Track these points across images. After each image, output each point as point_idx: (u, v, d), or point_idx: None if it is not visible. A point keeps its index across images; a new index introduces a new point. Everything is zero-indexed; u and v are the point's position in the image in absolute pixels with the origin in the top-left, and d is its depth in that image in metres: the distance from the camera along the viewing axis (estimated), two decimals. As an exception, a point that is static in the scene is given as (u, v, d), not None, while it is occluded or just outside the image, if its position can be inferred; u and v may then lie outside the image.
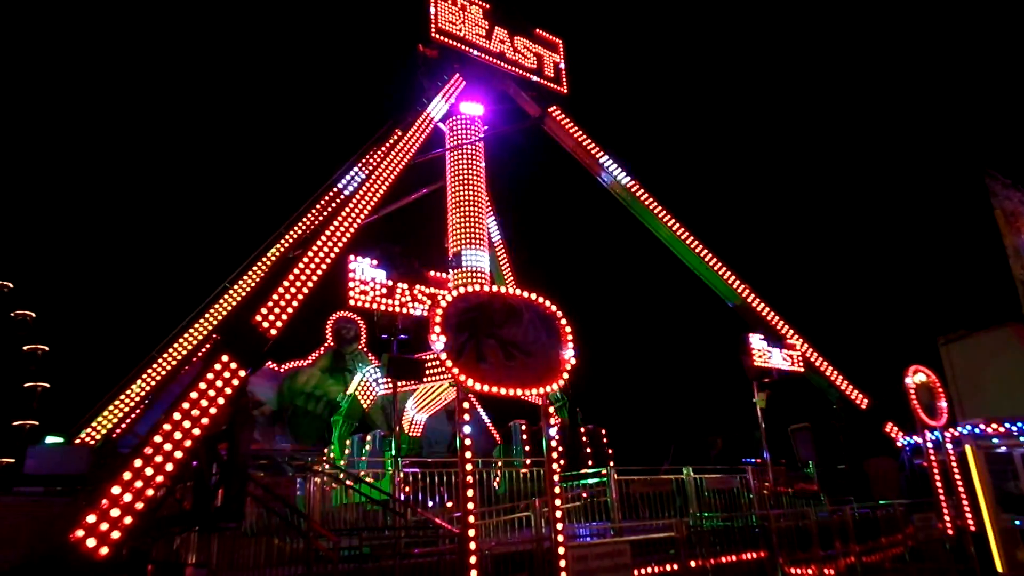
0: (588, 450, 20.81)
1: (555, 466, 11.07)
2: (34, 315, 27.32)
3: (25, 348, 27.91)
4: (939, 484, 17.54)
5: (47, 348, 26.36)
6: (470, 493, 9.87)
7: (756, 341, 19.04)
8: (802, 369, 20.23)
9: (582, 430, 21.35)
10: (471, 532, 9.63)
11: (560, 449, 17.93)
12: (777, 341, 20.30)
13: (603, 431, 21.84)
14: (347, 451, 19.87)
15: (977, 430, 17.53)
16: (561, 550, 10.37)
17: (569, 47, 25.62)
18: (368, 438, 19.69)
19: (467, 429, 10.37)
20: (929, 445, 17.98)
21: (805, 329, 22.47)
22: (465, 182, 21.28)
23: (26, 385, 26.40)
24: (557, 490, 10.84)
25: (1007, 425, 17.47)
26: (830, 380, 22.07)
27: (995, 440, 17.40)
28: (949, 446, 17.78)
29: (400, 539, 11.04)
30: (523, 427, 20.32)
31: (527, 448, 19.59)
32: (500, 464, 17.28)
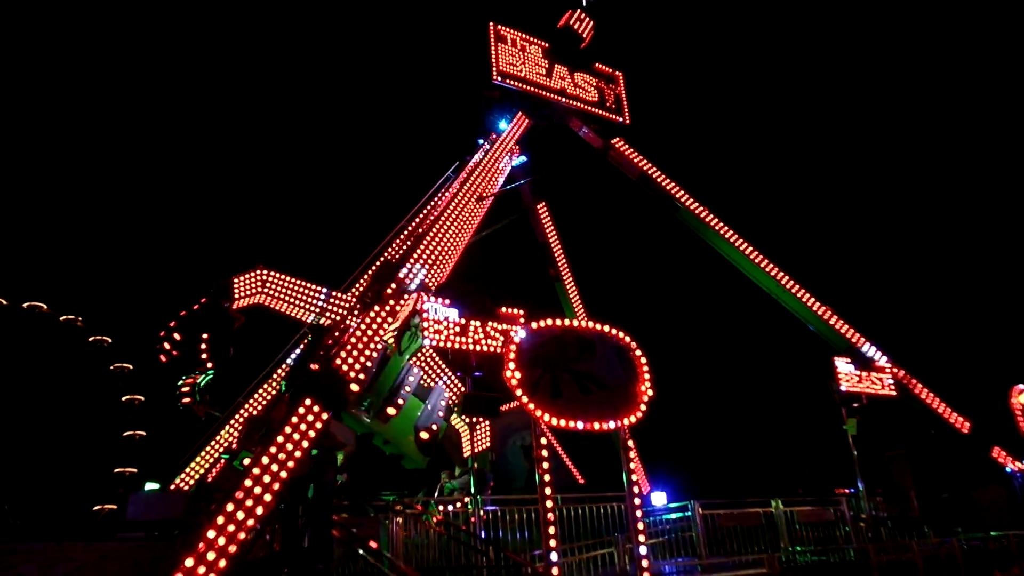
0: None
1: (637, 500, 10.86)
2: (132, 367, 29.04)
3: (124, 399, 29.69)
4: (1059, 513, 16.21)
5: (143, 398, 27.90)
6: (552, 531, 9.80)
7: (843, 365, 18.35)
8: (894, 392, 19.23)
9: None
10: (555, 571, 9.52)
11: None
12: (865, 364, 19.43)
13: None
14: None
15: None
16: (648, 589, 10.12)
17: (630, 77, 25.82)
18: None
19: (546, 465, 10.32)
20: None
21: (897, 348, 21.36)
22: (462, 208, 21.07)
23: (125, 434, 27.96)
24: (640, 526, 10.63)
25: None
26: (925, 403, 20.84)
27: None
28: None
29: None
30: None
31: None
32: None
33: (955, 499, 20.05)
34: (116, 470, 27.43)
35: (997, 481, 20.33)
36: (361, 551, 10.91)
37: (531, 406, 10.42)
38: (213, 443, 17.22)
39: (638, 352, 11.57)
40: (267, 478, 10.05)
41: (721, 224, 22.54)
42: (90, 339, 30.39)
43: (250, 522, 9.62)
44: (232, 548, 9.24)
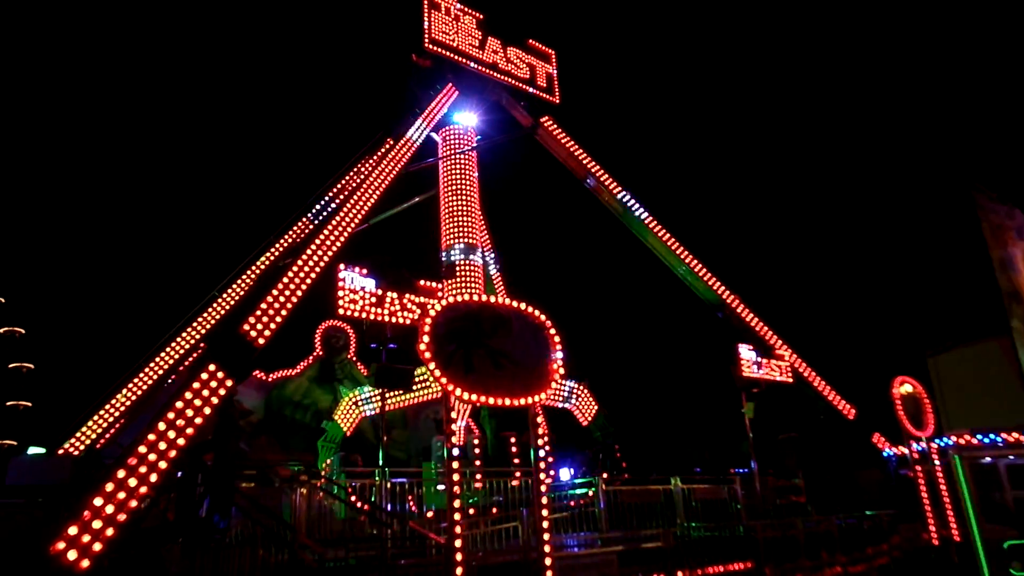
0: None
1: (543, 476, 11.06)
2: (23, 331, 27.12)
3: (11, 365, 27.66)
4: (925, 494, 17.63)
5: (32, 366, 26.18)
6: (457, 504, 9.85)
7: (745, 351, 19.15)
8: (790, 379, 20.34)
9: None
10: (457, 543, 9.61)
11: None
12: (766, 352, 20.41)
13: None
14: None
15: (963, 441, 17.67)
16: (548, 560, 10.36)
17: (562, 56, 25.77)
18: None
19: (454, 439, 10.35)
20: (915, 455, 18.08)
21: (794, 340, 22.59)
22: (458, 193, 21.48)
23: (8, 404, 26.14)
24: (544, 500, 10.84)
25: (992, 436, 17.61)
26: (818, 391, 22.17)
27: (981, 451, 17.53)
28: (935, 456, 17.89)
29: (387, 550, 10.98)
30: (512, 439, 20.19)
31: (516, 461, 19.50)
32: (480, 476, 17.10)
33: (837, 480, 21.51)
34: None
35: (875, 464, 21.96)
36: (262, 521, 10.66)
37: (443, 380, 10.37)
38: (107, 407, 16.37)
39: (552, 331, 11.70)
40: (163, 445, 9.65)
41: (641, 209, 23.07)
42: None
43: (143, 490, 9.23)
44: (122, 516, 8.84)
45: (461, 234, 20.99)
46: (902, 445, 18.88)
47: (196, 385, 10.44)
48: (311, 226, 19.63)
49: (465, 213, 21.27)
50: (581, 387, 20.98)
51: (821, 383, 22.32)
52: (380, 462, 13.20)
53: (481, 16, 23.77)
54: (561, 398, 20.54)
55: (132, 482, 9.13)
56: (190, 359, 16.97)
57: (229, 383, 10.80)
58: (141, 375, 17.00)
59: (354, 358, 25.55)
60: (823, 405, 22.28)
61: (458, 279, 20.28)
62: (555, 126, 24.11)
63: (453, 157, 21.81)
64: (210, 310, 18.16)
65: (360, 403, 19.26)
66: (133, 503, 9.04)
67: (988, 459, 17.56)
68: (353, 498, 12.50)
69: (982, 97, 62.27)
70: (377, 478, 12.68)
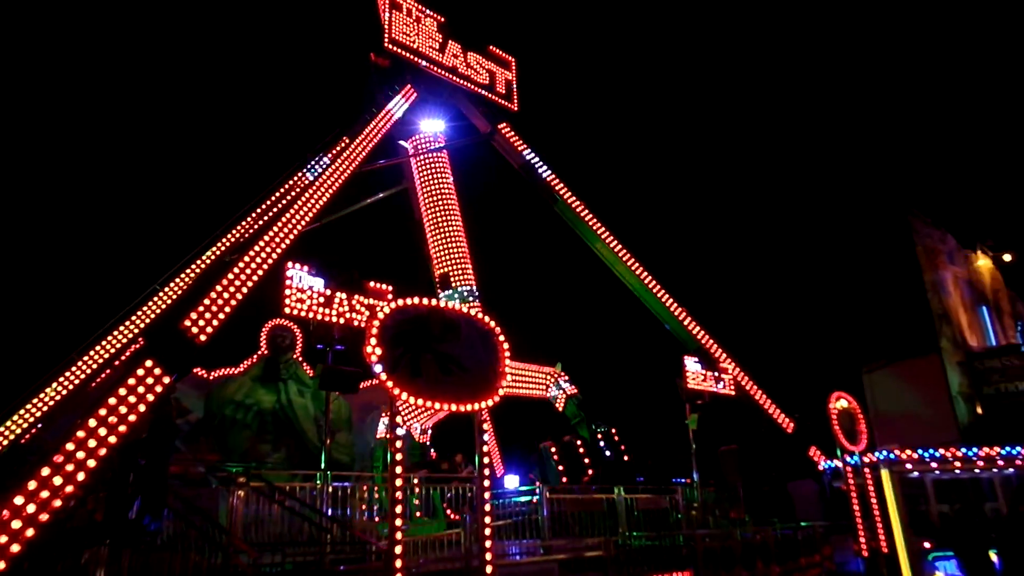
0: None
1: (486, 483, 11.03)
2: None
3: None
4: (856, 507, 18.21)
5: None
6: (399, 509, 9.74)
7: (691, 364, 19.47)
8: (733, 392, 20.78)
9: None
10: (398, 549, 9.49)
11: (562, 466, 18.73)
12: (711, 364, 20.81)
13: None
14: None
15: (892, 455, 18.33)
16: (489, 569, 10.32)
17: (521, 64, 25.91)
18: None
19: (398, 444, 10.24)
20: (848, 469, 18.66)
21: (736, 354, 23.10)
22: (440, 205, 21.68)
23: None
24: (487, 507, 10.80)
25: (920, 452, 18.33)
26: (759, 404, 22.71)
27: (908, 465, 18.22)
28: (866, 470, 18.51)
29: (326, 555, 10.79)
30: (552, 448, 20.19)
31: (560, 468, 19.52)
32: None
33: (774, 492, 22.05)
34: None
35: (811, 477, 22.59)
36: (197, 523, 10.34)
37: (390, 384, 10.25)
38: (35, 400, 15.67)
39: (501, 338, 11.70)
40: (93, 443, 9.28)
41: (595, 219, 23.29)
42: None
43: (69, 488, 8.85)
44: (44, 516, 8.45)
45: (452, 259, 21.94)
46: (836, 458, 19.47)
47: (132, 381, 10.08)
48: (260, 222, 19.21)
49: (450, 225, 21.62)
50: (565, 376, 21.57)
51: (762, 396, 22.88)
52: (323, 465, 12.94)
53: (443, 19, 23.74)
54: (545, 386, 21.08)
55: (58, 480, 8.74)
56: (127, 354, 16.37)
57: (167, 380, 10.46)
58: (74, 368, 16.35)
59: (300, 358, 25.02)
60: (763, 417, 22.84)
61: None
62: (512, 133, 24.21)
63: (430, 173, 21.95)
64: (150, 304, 17.60)
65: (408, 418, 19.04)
66: (58, 502, 8.66)
67: (915, 473, 18.26)
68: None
69: (919, 123, 65.15)
70: (318, 482, 12.43)
